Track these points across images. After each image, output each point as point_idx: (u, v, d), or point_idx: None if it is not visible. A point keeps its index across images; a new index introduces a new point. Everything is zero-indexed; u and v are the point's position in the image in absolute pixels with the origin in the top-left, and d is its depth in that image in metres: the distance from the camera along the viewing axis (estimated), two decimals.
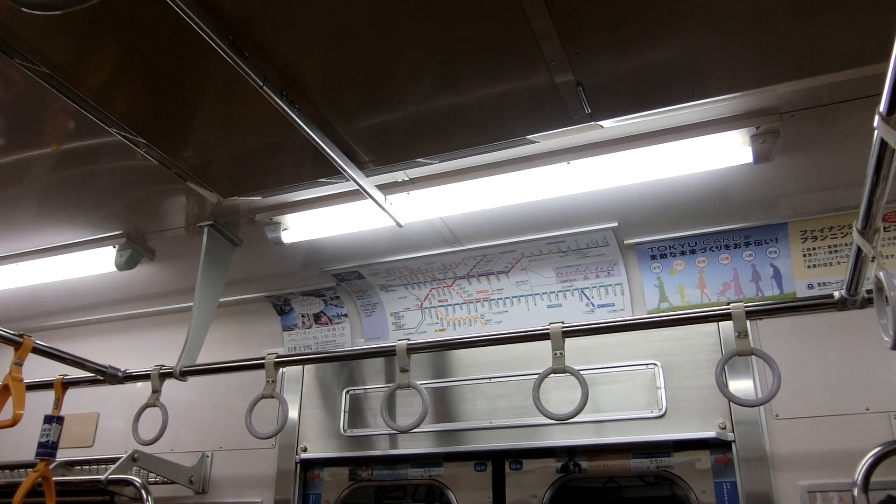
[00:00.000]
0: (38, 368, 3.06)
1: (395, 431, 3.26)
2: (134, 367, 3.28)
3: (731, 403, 2.83)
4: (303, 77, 2.20)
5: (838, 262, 2.97)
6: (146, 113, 2.43)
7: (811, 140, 2.57)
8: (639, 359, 3.14)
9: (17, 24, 1.98)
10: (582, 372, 2.47)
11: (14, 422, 2.70)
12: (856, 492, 2.53)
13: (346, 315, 3.91)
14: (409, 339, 2.76)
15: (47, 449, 3.00)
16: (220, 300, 3.45)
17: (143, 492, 3.40)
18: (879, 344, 1.89)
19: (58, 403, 3.12)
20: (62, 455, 3.25)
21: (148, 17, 1.96)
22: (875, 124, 1.43)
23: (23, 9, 1.23)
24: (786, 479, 2.79)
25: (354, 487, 3.57)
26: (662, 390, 3.05)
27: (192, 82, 2.26)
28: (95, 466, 3.89)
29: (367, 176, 2.72)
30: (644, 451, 3.06)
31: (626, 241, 3.25)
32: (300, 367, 3.82)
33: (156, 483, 3.70)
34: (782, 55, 2.09)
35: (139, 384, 3.50)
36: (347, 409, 3.65)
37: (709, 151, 2.58)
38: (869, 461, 2.55)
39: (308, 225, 3.18)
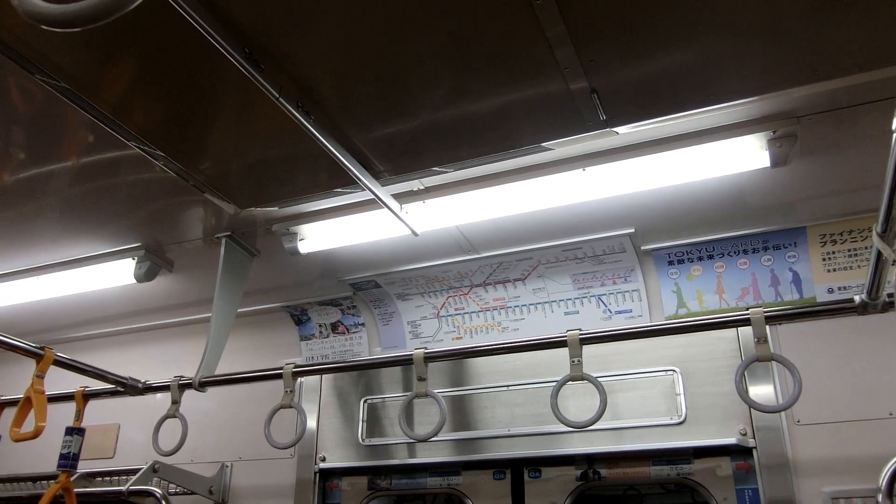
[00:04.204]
0: (60, 380, 3.09)
1: (413, 440, 3.25)
2: (154, 379, 3.30)
3: (752, 409, 2.81)
4: (318, 88, 2.21)
5: (858, 266, 2.94)
6: (164, 126, 2.45)
7: (829, 143, 2.55)
8: (657, 365, 3.12)
9: (36, 40, 2.01)
10: (600, 379, 2.46)
11: (36, 434, 2.73)
12: (880, 498, 2.50)
13: (363, 324, 3.92)
14: (426, 348, 2.76)
15: (69, 460, 3.02)
16: (238, 310, 3.47)
17: (163, 502, 3.42)
18: None
19: (79, 415, 3.15)
20: (83, 466, 3.27)
21: (164, 31, 1.98)
22: (893, 127, 1.42)
23: (42, 26, 1.24)
24: (809, 485, 2.76)
25: (373, 497, 3.56)
26: (682, 397, 3.03)
27: (208, 95, 2.28)
28: (116, 477, 3.91)
29: (383, 185, 2.73)
30: (664, 459, 3.03)
31: (642, 247, 3.24)
32: (318, 376, 3.83)
33: (176, 494, 3.71)
34: (798, 58, 2.08)
35: (159, 395, 3.52)
36: (365, 419, 3.65)
37: (725, 156, 2.57)
38: (893, 467, 2.52)
39: (324, 235, 3.19)
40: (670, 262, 3.23)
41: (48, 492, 2.95)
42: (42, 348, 2.87)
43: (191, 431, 3.01)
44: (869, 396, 2.78)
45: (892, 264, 1.84)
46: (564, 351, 2.52)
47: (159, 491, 3.46)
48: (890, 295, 2.07)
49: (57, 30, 1.27)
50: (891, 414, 2.73)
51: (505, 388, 3.39)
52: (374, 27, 1.97)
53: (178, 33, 1.94)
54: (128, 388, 3.26)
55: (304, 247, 3.22)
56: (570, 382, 2.48)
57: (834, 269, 2.98)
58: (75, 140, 2.56)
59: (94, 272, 3.57)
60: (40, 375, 2.84)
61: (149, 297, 3.99)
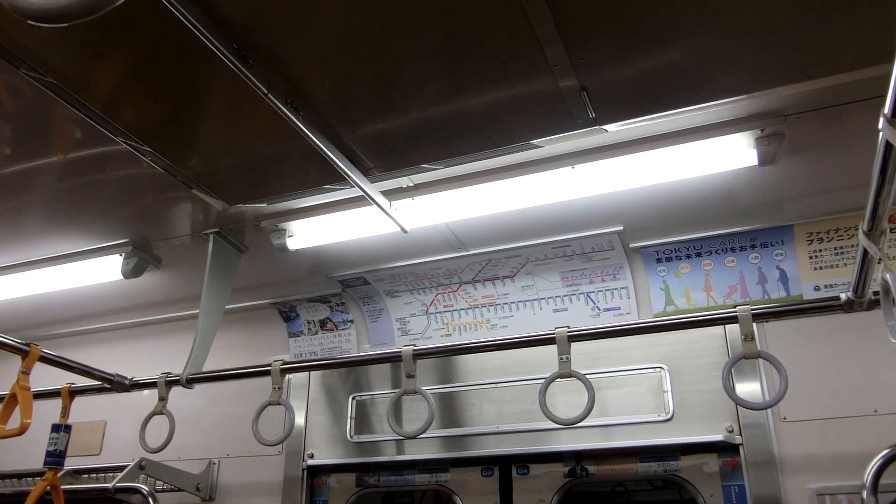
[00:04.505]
0: (46, 377, 3.07)
1: (401, 437, 3.26)
2: (141, 375, 3.28)
3: (739, 407, 2.83)
4: (307, 84, 2.21)
5: (845, 264, 2.96)
6: (152, 122, 2.44)
7: (816, 142, 2.57)
8: (645, 362, 3.14)
9: (23, 35, 1.99)
10: (588, 376, 2.47)
11: (22, 430, 2.71)
12: (865, 494, 2.52)
13: (351, 321, 3.91)
14: (414, 345, 2.76)
15: (55, 457, 3.01)
16: (226, 307, 3.46)
17: (150, 500, 3.40)
18: (887, 345, 1.89)
19: (65, 412, 3.13)
20: (69, 463, 3.25)
21: (153, 27, 1.97)
22: (880, 126, 1.43)
23: (29, 21, 1.23)
24: (794, 482, 2.78)
25: (361, 493, 3.56)
26: (669, 394, 3.04)
27: (197, 91, 2.27)
28: (103, 475, 3.89)
29: (372, 182, 2.73)
30: (651, 455, 3.05)
31: (631, 245, 3.25)
32: (306, 373, 3.82)
33: (163, 491, 3.69)
34: (787, 57, 2.09)
35: (146, 392, 3.51)
36: (354, 416, 3.65)
37: (714, 154, 2.58)
38: (878, 464, 2.54)
39: (313, 231, 3.18)
40: (658, 260, 3.25)
41: (35, 489, 2.93)
42: (28, 344, 2.85)
43: (178, 428, 2.99)
44: (854, 394, 2.80)
45: (878, 262, 1.85)
46: (553, 348, 2.53)
47: (146, 488, 3.44)
48: (875, 293, 2.08)
49: (44, 25, 1.26)
50: (876, 411, 2.75)
51: (493, 386, 3.39)
52: (363, 25, 1.97)
53: (167, 29, 1.93)
54: (114, 384, 3.24)
55: (293, 243, 3.21)
56: (558, 379, 2.48)
57: (820, 267, 3.00)
58: (62, 135, 2.54)
59: (80, 268, 3.55)
60: (26, 372, 2.82)
61: (136, 293, 3.97)
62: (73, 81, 2.19)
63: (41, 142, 2.58)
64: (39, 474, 3.09)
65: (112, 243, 3.39)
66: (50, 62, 2.10)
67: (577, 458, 3.16)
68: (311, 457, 3.64)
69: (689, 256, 3.20)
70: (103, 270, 3.53)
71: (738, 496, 2.87)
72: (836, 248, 2.98)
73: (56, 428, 3.05)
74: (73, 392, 3.18)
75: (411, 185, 2.86)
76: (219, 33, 1.92)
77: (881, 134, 1.45)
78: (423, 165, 2.68)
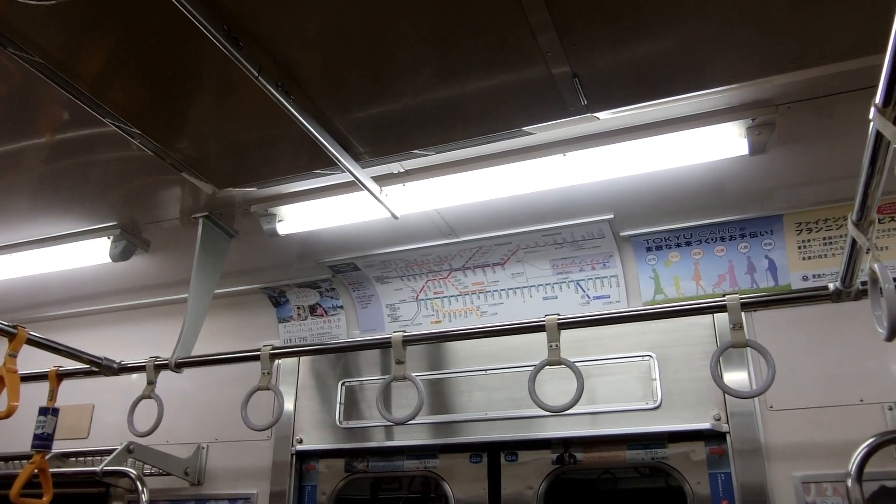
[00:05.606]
0: (33, 360, 3.05)
1: (390, 423, 3.26)
2: (129, 359, 3.27)
3: (726, 395, 2.84)
4: (298, 68, 2.19)
5: (833, 254, 2.97)
6: (141, 104, 2.42)
7: (807, 132, 2.57)
8: (634, 351, 3.15)
9: (11, 15, 1.97)
10: (577, 364, 2.47)
11: (9, 413, 2.70)
12: (849, 482, 2.54)
13: (341, 307, 3.91)
14: (404, 331, 2.76)
15: (43, 440, 2.99)
16: (216, 292, 3.44)
17: (138, 483, 3.39)
18: (873, 335, 1.89)
19: (53, 395, 3.11)
20: (57, 446, 3.24)
21: (143, 7, 1.95)
22: (871, 116, 1.43)
23: None
24: (780, 469, 2.80)
25: (350, 479, 3.57)
26: (657, 382, 3.06)
27: (187, 73, 2.25)
28: (91, 458, 3.88)
29: (363, 167, 2.72)
30: (639, 443, 3.07)
31: (621, 233, 3.25)
32: (296, 358, 3.82)
33: (151, 475, 3.70)
34: (779, 47, 2.08)
35: (134, 376, 3.49)
36: (343, 401, 3.66)
37: (705, 143, 2.58)
38: (863, 452, 2.56)
39: (304, 216, 3.17)
40: (648, 249, 3.25)
41: (23, 472, 2.92)
42: (15, 327, 2.83)
43: (167, 412, 2.99)
44: (840, 383, 2.82)
45: (867, 252, 1.85)
46: (542, 335, 2.53)
47: (134, 472, 3.44)
48: (863, 283, 2.09)
49: (32, 3, 1.24)
50: (861, 400, 2.77)
51: (483, 372, 3.40)
52: (356, 9, 1.95)
53: (157, 10, 1.91)
54: (102, 368, 3.23)
55: (283, 228, 3.20)
56: (547, 367, 2.49)
57: (809, 257, 3.01)
58: (51, 117, 2.52)
59: (68, 251, 3.52)
60: (13, 354, 2.80)
61: (125, 276, 3.95)
62: (61, 62, 2.17)
63: (29, 123, 2.56)
64: (27, 457, 3.08)
65: (100, 226, 3.37)
66: (38, 42, 2.08)
67: (566, 445, 3.18)
68: (300, 442, 3.65)
69: (678, 245, 3.21)
70: (91, 253, 3.51)
71: (724, 484, 2.89)
72: (824, 239, 2.99)
73: (43, 411, 3.04)
74: (61, 375, 3.17)
75: (402, 171, 2.85)
76: (209, 15, 1.90)
77: (871, 124, 1.45)
78: (415, 151, 2.67)
